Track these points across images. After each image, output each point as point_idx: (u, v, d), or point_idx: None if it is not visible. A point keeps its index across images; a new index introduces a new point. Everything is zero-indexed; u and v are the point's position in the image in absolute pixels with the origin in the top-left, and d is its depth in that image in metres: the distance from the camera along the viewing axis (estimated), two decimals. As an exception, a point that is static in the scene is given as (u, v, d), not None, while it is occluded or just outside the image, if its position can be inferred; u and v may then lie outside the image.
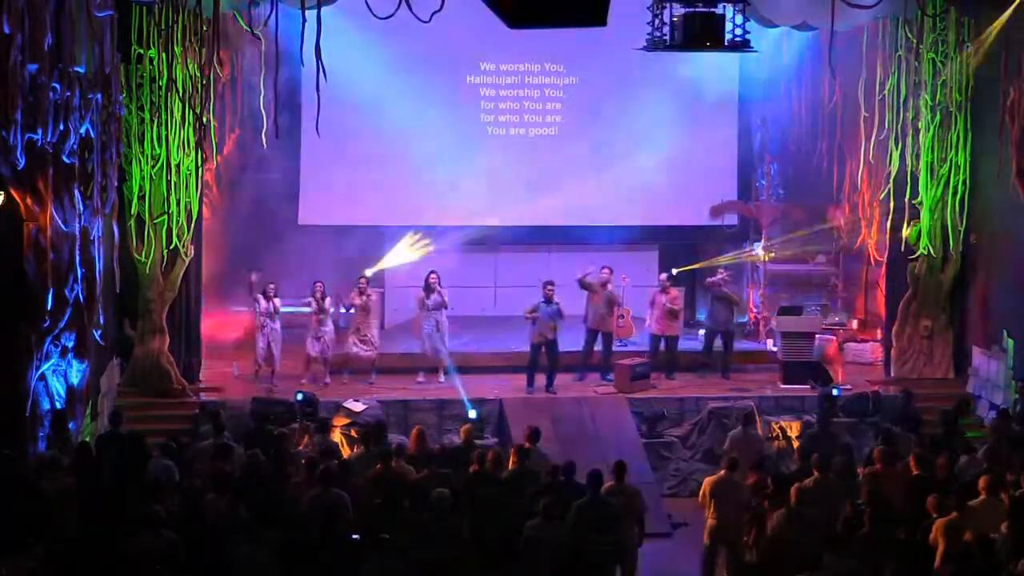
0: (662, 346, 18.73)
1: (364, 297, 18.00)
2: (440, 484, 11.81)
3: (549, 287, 17.71)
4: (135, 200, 16.95)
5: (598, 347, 18.51)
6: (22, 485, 11.09)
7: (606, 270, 18.49)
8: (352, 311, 18.14)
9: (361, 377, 18.07)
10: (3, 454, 11.61)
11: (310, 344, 17.80)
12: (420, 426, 14.50)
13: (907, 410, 15.66)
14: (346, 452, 14.87)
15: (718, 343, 18.99)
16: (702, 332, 19.86)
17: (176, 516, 10.81)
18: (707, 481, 12.89)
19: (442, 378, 18.15)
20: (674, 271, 19.82)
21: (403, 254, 20.03)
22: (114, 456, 12.89)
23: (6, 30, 11.71)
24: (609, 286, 18.34)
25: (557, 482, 12.22)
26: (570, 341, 18.28)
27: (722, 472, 12.79)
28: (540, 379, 17.78)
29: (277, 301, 17.77)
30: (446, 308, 18.00)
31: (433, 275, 18.06)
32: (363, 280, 18.30)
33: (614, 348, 18.93)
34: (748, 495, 12.53)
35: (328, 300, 17.98)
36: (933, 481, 12.02)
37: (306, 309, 18.05)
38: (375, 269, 19.61)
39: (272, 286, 17.78)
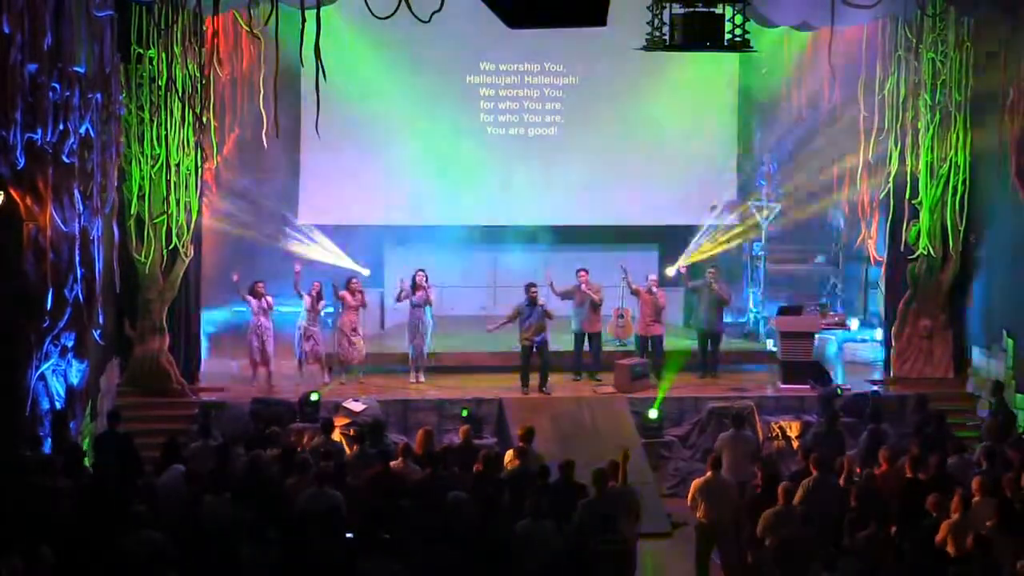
0: (648, 347, 18.70)
1: (357, 297, 17.97)
2: (444, 485, 11.82)
3: (533, 290, 17.66)
4: (135, 200, 16.93)
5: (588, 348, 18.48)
6: (21, 485, 11.08)
7: (583, 272, 18.40)
8: (341, 310, 18.06)
9: (353, 377, 18.05)
10: (19, 456, 11.67)
11: (302, 343, 17.76)
12: (428, 427, 14.42)
13: (923, 416, 15.58)
14: (347, 452, 14.84)
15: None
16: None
17: (175, 517, 10.83)
18: (695, 483, 12.89)
19: (421, 377, 18.11)
20: (669, 271, 19.79)
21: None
22: (111, 456, 12.89)
23: (6, 30, 11.71)
24: (583, 287, 18.24)
25: (551, 481, 12.22)
26: (561, 343, 18.26)
27: (708, 473, 12.78)
28: (534, 380, 17.71)
29: (270, 299, 17.75)
30: (430, 305, 17.96)
31: (420, 273, 18.02)
32: (355, 280, 18.26)
33: (615, 348, 18.92)
34: (737, 495, 12.54)
35: (322, 303, 17.96)
36: (926, 481, 12.04)
37: (299, 308, 18.03)
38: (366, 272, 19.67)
39: (261, 284, 17.76)
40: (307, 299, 17.74)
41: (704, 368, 18.73)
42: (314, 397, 16.40)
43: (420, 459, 13.01)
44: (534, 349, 17.61)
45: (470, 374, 18.39)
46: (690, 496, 12.83)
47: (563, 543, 11.05)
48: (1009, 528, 10.53)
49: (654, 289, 18.67)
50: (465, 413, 16.62)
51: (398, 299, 18.13)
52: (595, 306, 18.22)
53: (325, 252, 20.35)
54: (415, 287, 17.90)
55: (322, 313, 18.09)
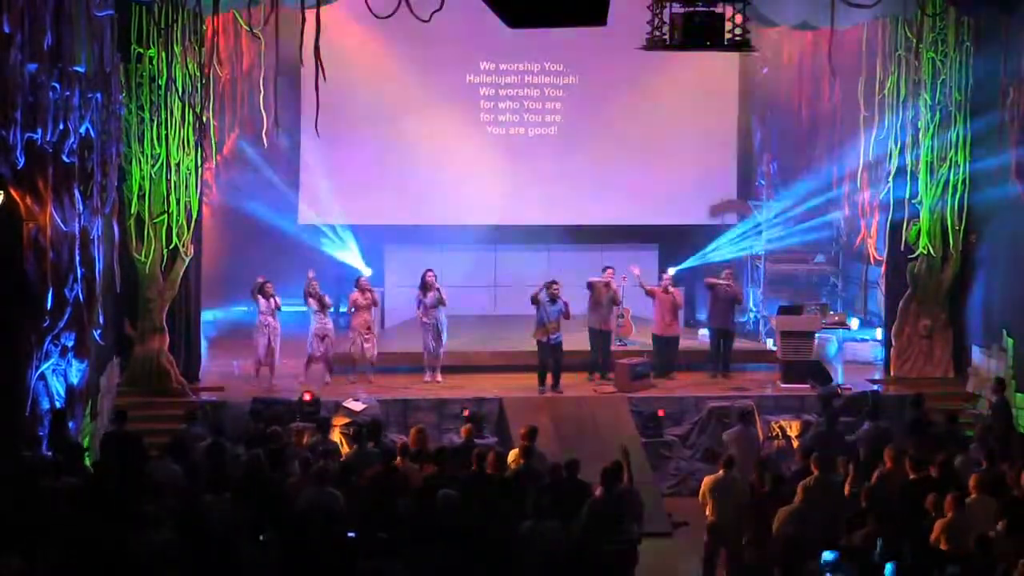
0: (665, 346, 18.72)
1: (366, 295, 18.00)
2: (442, 484, 11.82)
3: (555, 286, 17.70)
4: (135, 200, 16.94)
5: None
6: (22, 485, 11.08)
7: (609, 270, 18.50)
8: (353, 311, 18.14)
9: (361, 376, 18.07)
10: (21, 456, 11.66)
11: (314, 343, 17.78)
12: (421, 425, 14.47)
13: (917, 415, 15.56)
14: (346, 451, 14.86)
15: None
16: (703, 332, 19.87)
17: (176, 517, 10.82)
18: (706, 480, 12.92)
19: (439, 377, 18.13)
20: (671, 270, 19.84)
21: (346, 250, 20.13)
22: (116, 455, 12.89)
23: (6, 29, 11.70)
24: (612, 284, 18.35)
25: (557, 481, 12.22)
26: (574, 342, 18.28)
27: (720, 471, 12.80)
28: (549, 378, 17.75)
29: (278, 299, 17.77)
30: (444, 306, 17.98)
31: (430, 273, 18.05)
32: (363, 279, 18.30)
33: (615, 347, 18.95)
34: (747, 494, 12.54)
35: (327, 297, 17.99)
36: (929, 481, 12.04)
37: (303, 308, 18.05)
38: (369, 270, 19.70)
39: (270, 284, 17.78)
40: (314, 302, 17.75)
41: (716, 366, 18.75)
42: (306, 397, 16.40)
43: (414, 457, 13.02)
44: (550, 347, 17.62)
45: (470, 374, 18.39)
46: (701, 493, 12.84)
47: (567, 543, 11.06)
48: (1017, 527, 10.52)
49: (670, 288, 18.71)
50: (466, 413, 16.57)
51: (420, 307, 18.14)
52: (613, 305, 18.28)
53: (344, 251, 20.43)
54: (425, 288, 17.91)
55: (330, 306, 18.11)
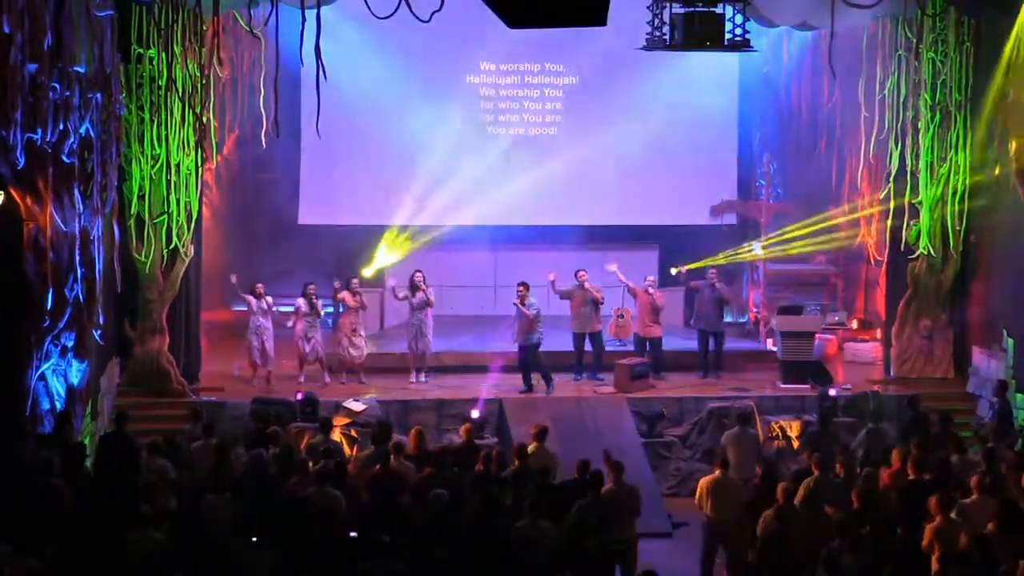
0: (647, 348, 18.72)
1: (357, 298, 17.98)
2: (442, 484, 11.83)
3: (519, 289, 17.66)
4: (135, 200, 16.94)
5: (589, 348, 18.48)
6: (23, 485, 11.09)
7: (582, 272, 18.40)
8: (342, 308, 18.10)
9: (354, 378, 18.05)
10: (18, 457, 11.67)
11: (300, 345, 17.78)
12: (419, 426, 14.50)
13: (915, 415, 15.55)
14: (347, 452, 14.86)
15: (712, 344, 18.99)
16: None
17: (175, 517, 10.83)
18: (702, 482, 12.92)
19: (423, 377, 18.13)
20: (673, 270, 19.83)
21: (389, 251, 20.08)
22: (116, 456, 12.90)
23: (6, 30, 11.70)
24: (587, 285, 18.25)
25: (553, 481, 12.24)
26: (560, 342, 18.26)
27: (716, 472, 12.81)
28: (534, 379, 17.75)
29: (269, 299, 17.75)
30: (430, 306, 17.98)
31: (418, 274, 18.04)
32: (356, 281, 18.27)
33: (615, 348, 18.94)
34: (743, 494, 12.56)
35: (320, 302, 17.97)
36: (928, 481, 12.04)
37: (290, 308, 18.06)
38: (373, 269, 19.66)
39: (260, 285, 17.76)
40: (304, 304, 17.74)
41: (707, 367, 18.74)
42: (299, 396, 16.40)
43: (413, 458, 13.03)
44: (528, 350, 17.61)
45: (470, 374, 18.39)
46: (697, 494, 12.85)
47: (561, 543, 11.06)
48: (1011, 528, 10.52)
49: (651, 290, 18.69)
50: (475, 414, 16.53)
51: (395, 296, 18.16)
52: (596, 306, 18.22)
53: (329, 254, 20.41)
54: (414, 289, 17.91)
55: (322, 314, 18.09)
